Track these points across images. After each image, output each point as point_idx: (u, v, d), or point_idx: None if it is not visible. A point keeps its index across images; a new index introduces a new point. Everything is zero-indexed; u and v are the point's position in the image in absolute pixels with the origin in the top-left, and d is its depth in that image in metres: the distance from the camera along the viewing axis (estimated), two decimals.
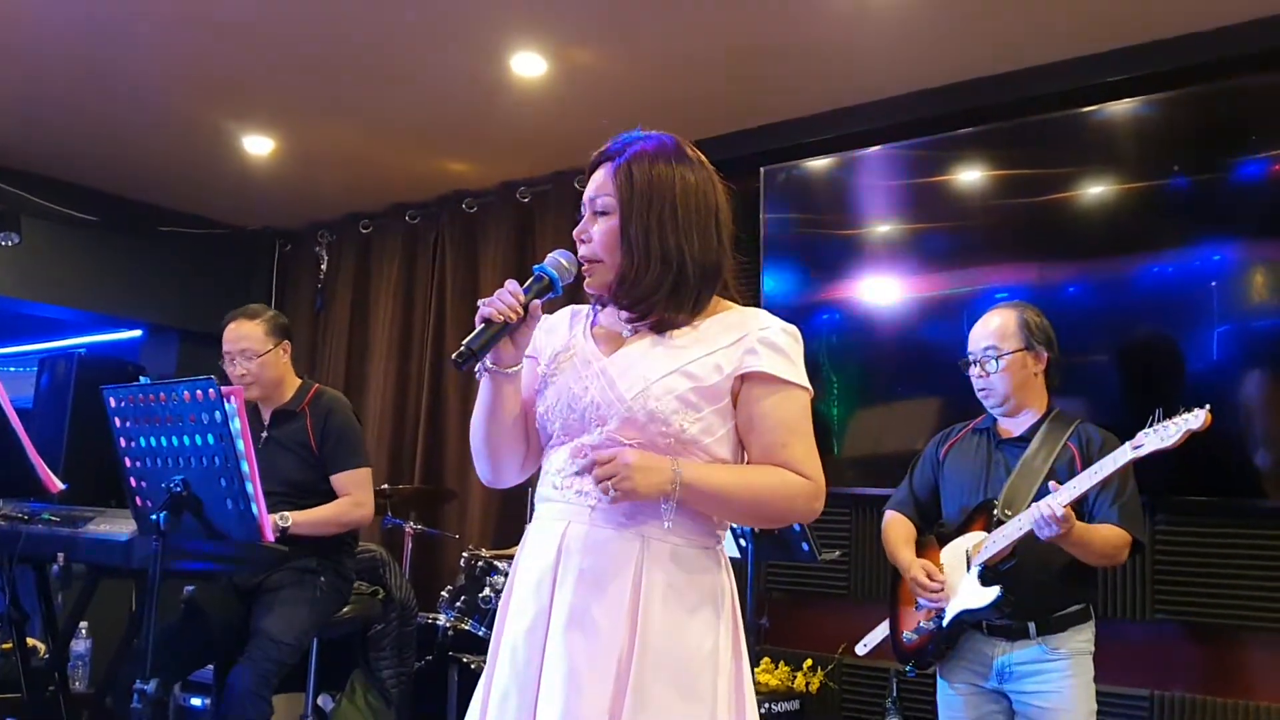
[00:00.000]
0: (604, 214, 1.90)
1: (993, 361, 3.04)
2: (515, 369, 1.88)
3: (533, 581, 1.85)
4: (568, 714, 1.73)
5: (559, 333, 1.99)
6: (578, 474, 1.83)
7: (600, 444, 1.82)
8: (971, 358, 3.10)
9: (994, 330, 3.07)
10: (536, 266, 1.91)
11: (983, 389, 3.09)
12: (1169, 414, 2.66)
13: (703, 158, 1.97)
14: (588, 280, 1.92)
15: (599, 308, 2.00)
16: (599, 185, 1.91)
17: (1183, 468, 3.48)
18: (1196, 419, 2.61)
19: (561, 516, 1.86)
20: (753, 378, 1.85)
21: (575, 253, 1.94)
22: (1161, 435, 2.65)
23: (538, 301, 1.87)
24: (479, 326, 1.82)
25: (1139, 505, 2.93)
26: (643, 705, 1.74)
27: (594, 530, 1.82)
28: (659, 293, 1.86)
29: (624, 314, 1.91)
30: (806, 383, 1.88)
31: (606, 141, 1.98)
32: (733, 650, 1.86)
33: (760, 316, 1.90)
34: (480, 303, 1.83)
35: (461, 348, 1.79)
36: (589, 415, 1.85)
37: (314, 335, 6.64)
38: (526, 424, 1.95)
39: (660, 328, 1.89)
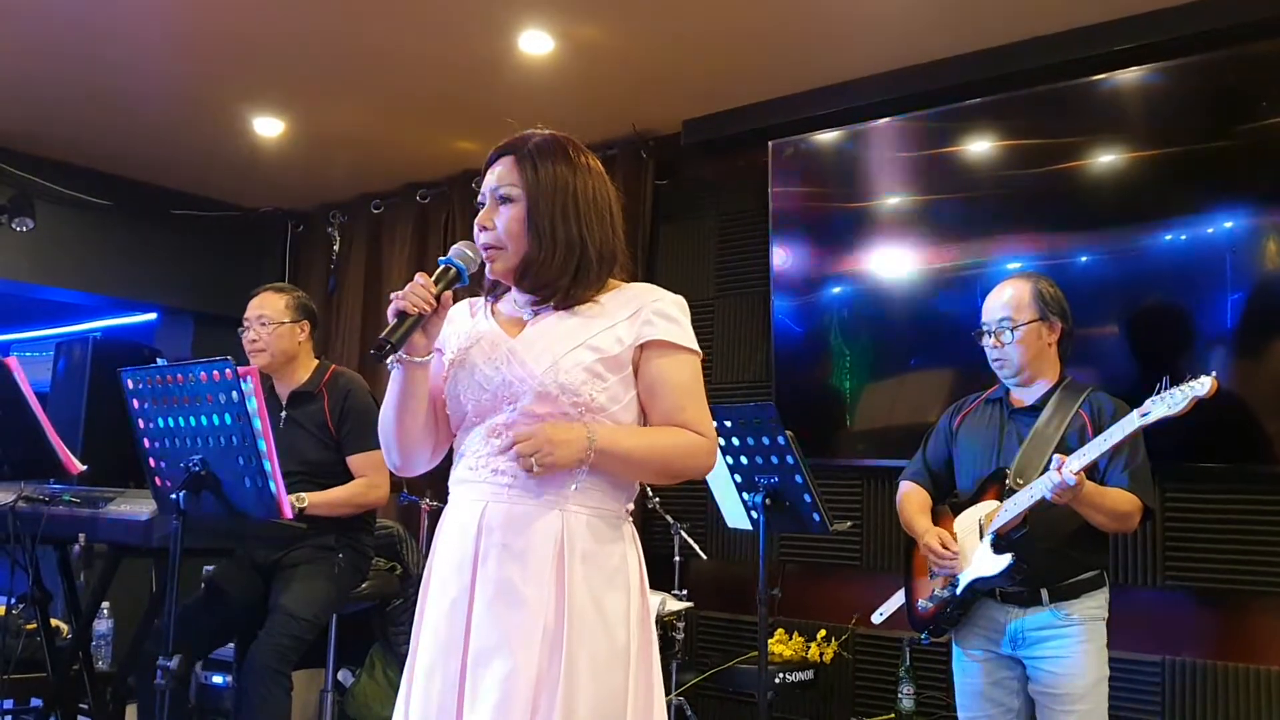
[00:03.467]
0: (509, 201, 1.97)
1: (1008, 332, 3.04)
2: (427, 358, 1.96)
3: (454, 561, 1.93)
4: (504, 681, 1.82)
5: (459, 322, 2.07)
6: (499, 453, 1.90)
7: (514, 421, 1.91)
8: (986, 328, 3.10)
9: (1009, 301, 3.07)
10: (442, 259, 1.99)
11: (997, 359, 3.10)
12: (1178, 381, 2.67)
13: (593, 157, 2.08)
14: (491, 266, 2.00)
15: (492, 296, 2.10)
16: (503, 175, 2.00)
17: (1194, 434, 3.47)
18: (1203, 386, 2.61)
19: (479, 497, 1.94)
20: (651, 345, 1.97)
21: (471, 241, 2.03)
22: (1169, 403, 2.65)
23: (448, 292, 1.96)
24: (392, 320, 1.90)
25: (1149, 472, 2.93)
26: (573, 670, 1.84)
27: (513, 507, 1.91)
28: (564, 277, 1.97)
29: (526, 297, 2.02)
30: (696, 346, 2.02)
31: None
32: (641, 613, 1.97)
33: (652, 290, 2.03)
34: (392, 296, 1.92)
35: (379, 340, 1.88)
36: (500, 394, 1.94)
37: (327, 316, 6.65)
38: (435, 412, 2.03)
39: (562, 307, 1.99)
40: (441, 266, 1.98)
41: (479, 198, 2.04)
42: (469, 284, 2.02)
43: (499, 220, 1.97)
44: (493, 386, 1.94)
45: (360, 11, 4.20)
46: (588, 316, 1.98)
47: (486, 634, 1.86)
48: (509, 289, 2.07)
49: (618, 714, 1.87)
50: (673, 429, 1.98)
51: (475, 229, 2.01)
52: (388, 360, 1.92)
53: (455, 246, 2.01)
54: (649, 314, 1.98)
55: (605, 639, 1.88)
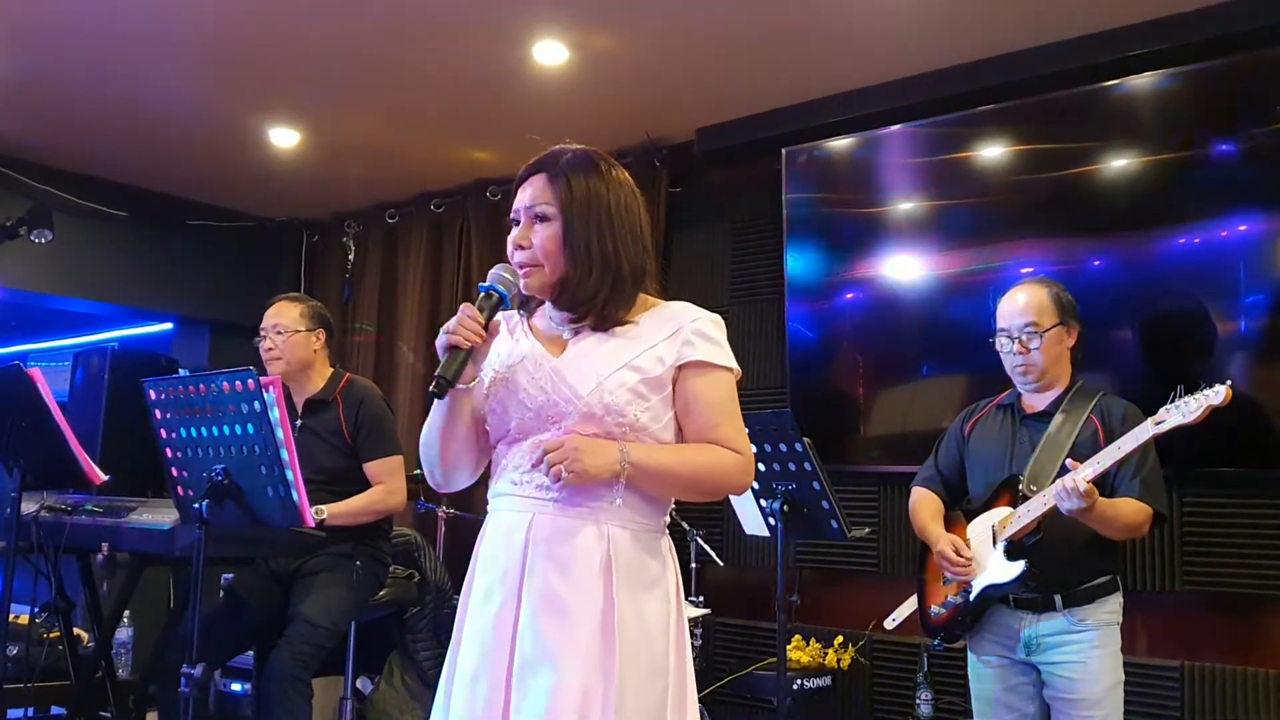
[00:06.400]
0: (544, 220, 1.98)
1: (1036, 338, 3.03)
2: (474, 384, 1.97)
3: (499, 570, 1.94)
4: (552, 692, 1.83)
5: (499, 339, 2.06)
6: (533, 467, 1.93)
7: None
8: (1007, 334, 3.08)
9: (1032, 306, 3.05)
10: (482, 285, 1.97)
11: (1022, 365, 3.06)
12: (1192, 388, 2.67)
13: (623, 171, 2.09)
14: (526, 283, 1.99)
15: (526, 311, 2.11)
16: (537, 194, 2.00)
17: (1210, 439, 3.48)
18: (1218, 395, 2.62)
19: (525, 510, 1.96)
20: (689, 366, 1.99)
21: (501, 261, 2.03)
22: (1183, 411, 2.66)
23: (496, 320, 1.96)
24: (443, 355, 1.90)
25: (1161, 478, 2.93)
26: (620, 681, 1.86)
27: (558, 519, 1.93)
28: (600, 294, 1.98)
29: (562, 314, 2.03)
30: (734, 364, 2.03)
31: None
32: (677, 623, 1.99)
33: (690, 309, 2.05)
34: (443, 330, 1.91)
35: (437, 378, 1.88)
36: (545, 414, 1.95)
37: (343, 325, 6.69)
38: (477, 429, 2.04)
39: (600, 326, 2.00)
40: (483, 293, 1.96)
41: (511, 215, 2.04)
42: (511, 307, 2.02)
43: (535, 239, 1.98)
44: (536, 406, 1.95)
45: (374, 23, 4.23)
46: (628, 337, 1.99)
47: (533, 644, 1.87)
48: (542, 303, 2.07)
49: None
50: (708, 446, 2.00)
51: (510, 247, 2.01)
52: (438, 397, 1.92)
53: (494, 271, 1.99)
54: (688, 334, 1.99)
55: (647, 649, 1.91)
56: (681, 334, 1.99)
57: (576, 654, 1.85)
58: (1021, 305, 3.07)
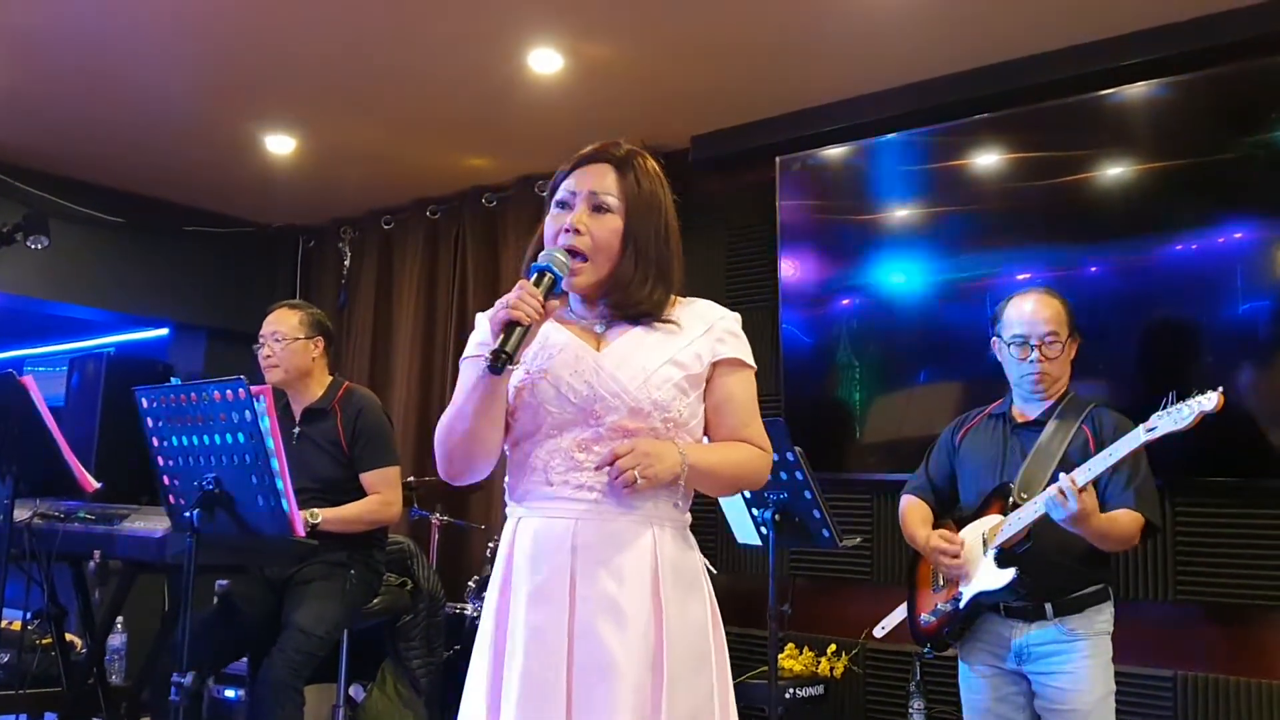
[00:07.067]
0: (605, 210, 1.94)
1: (1057, 346, 3.03)
2: (515, 366, 1.90)
3: (542, 578, 1.90)
4: (618, 698, 1.82)
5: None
6: (597, 468, 1.89)
7: (601, 437, 1.90)
8: (1025, 341, 3.04)
9: (1053, 316, 3.03)
10: (535, 265, 1.91)
11: (1040, 373, 3.03)
12: (1185, 395, 2.67)
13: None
14: (574, 280, 1.93)
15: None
16: (602, 182, 1.96)
17: (1204, 449, 3.49)
18: (1210, 401, 2.61)
19: (564, 513, 1.92)
20: (723, 363, 2.01)
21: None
22: (1175, 418, 2.65)
23: (553, 301, 1.89)
24: (501, 330, 1.83)
25: (1154, 487, 2.93)
26: (672, 682, 1.86)
27: (605, 524, 1.91)
28: (653, 296, 1.97)
29: (595, 308, 2.00)
30: (754, 362, 2.07)
31: (599, 140, 2.05)
32: (714, 620, 2.01)
33: (715, 307, 2.07)
34: (501, 305, 1.84)
35: (497, 352, 1.81)
36: (587, 408, 1.91)
37: (338, 331, 6.67)
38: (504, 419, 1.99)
39: (635, 321, 1.99)
40: (537, 273, 1.89)
41: (559, 196, 1.98)
42: (563, 292, 1.94)
43: (595, 228, 1.93)
44: (580, 400, 1.91)
45: (371, 30, 4.24)
46: (667, 332, 1.99)
47: (594, 652, 1.85)
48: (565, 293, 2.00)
49: (708, 715, 1.91)
50: (740, 444, 2.02)
51: (559, 230, 1.95)
52: (496, 372, 1.84)
53: (546, 252, 1.92)
54: (721, 331, 2.02)
55: (692, 646, 1.92)
56: (715, 331, 2.01)
57: (632, 658, 1.85)
58: (1046, 315, 3.04)
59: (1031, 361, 3.03)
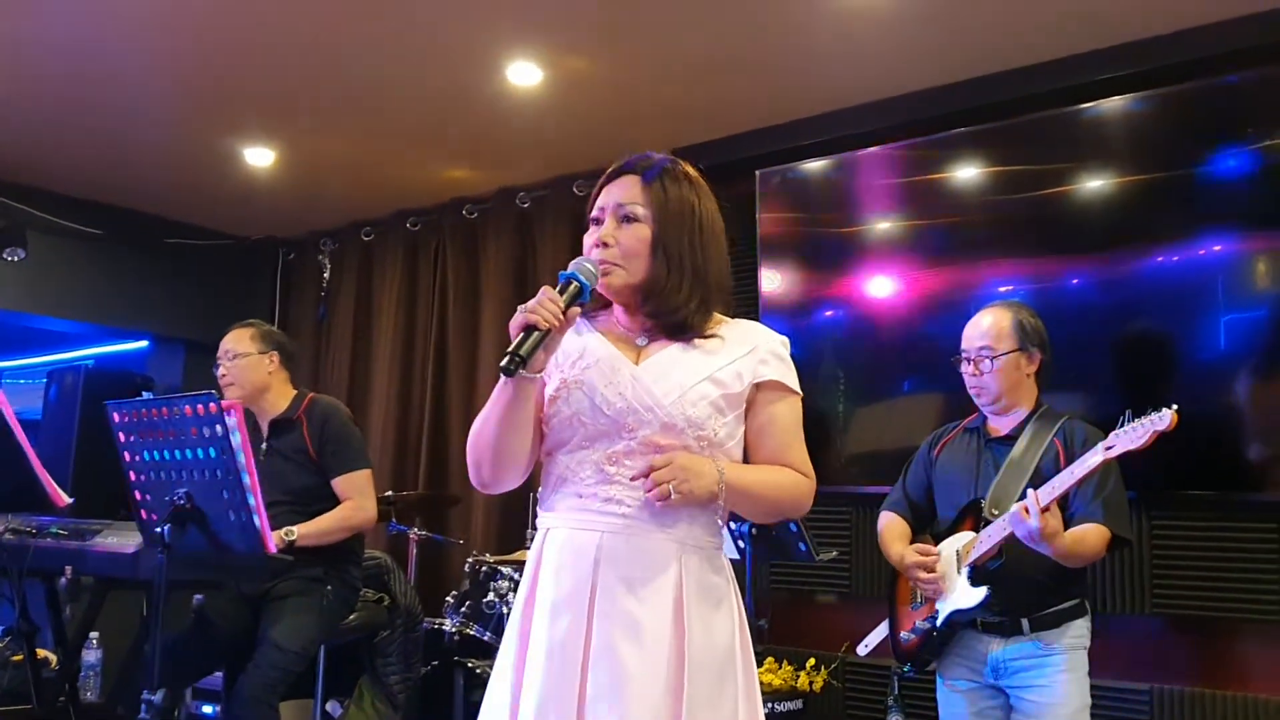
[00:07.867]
0: (633, 221, 1.94)
1: (987, 361, 3.06)
2: (542, 373, 1.90)
3: (565, 591, 1.88)
4: (630, 718, 1.79)
5: (566, 339, 1.99)
6: (632, 480, 1.87)
7: (633, 451, 1.88)
8: (965, 355, 3.12)
9: (988, 330, 3.08)
10: (563, 273, 1.90)
11: (975, 387, 3.11)
12: (1140, 412, 2.69)
13: (705, 184, 2.05)
14: (605, 281, 1.93)
15: (589, 314, 2.04)
16: (628, 193, 1.96)
17: (1180, 462, 3.51)
18: (1163, 420, 2.63)
19: (592, 525, 1.89)
20: (766, 386, 1.97)
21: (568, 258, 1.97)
22: (1131, 436, 2.67)
23: (574, 309, 1.89)
24: (519, 333, 1.82)
25: (1123, 499, 2.93)
26: (692, 702, 1.82)
27: (631, 539, 1.88)
28: (690, 304, 1.94)
29: (636, 320, 1.98)
30: (799, 388, 2.01)
31: (627, 153, 2.04)
32: (742, 639, 1.95)
33: (762, 328, 2.03)
34: (521, 309, 1.83)
35: (511, 354, 1.80)
36: (621, 421, 1.89)
37: (318, 343, 6.68)
38: (535, 430, 1.97)
39: (677, 336, 1.96)
40: (564, 281, 1.88)
41: (593, 214, 1.99)
42: (589, 301, 1.94)
43: (623, 238, 1.94)
44: (614, 411, 1.89)
45: (350, 43, 4.23)
46: (707, 350, 1.96)
47: (610, 669, 1.83)
48: (608, 306, 2.02)
49: None
50: (782, 468, 1.98)
51: (590, 245, 1.96)
52: (509, 374, 1.83)
53: (576, 261, 1.92)
54: (764, 353, 1.98)
55: (716, 665, 1.87)
56: (758, 352, 1.97)
57: (649, 677, 1.81)
58: (982, 329, 3.10)
59: (968, 375, 3.10)
